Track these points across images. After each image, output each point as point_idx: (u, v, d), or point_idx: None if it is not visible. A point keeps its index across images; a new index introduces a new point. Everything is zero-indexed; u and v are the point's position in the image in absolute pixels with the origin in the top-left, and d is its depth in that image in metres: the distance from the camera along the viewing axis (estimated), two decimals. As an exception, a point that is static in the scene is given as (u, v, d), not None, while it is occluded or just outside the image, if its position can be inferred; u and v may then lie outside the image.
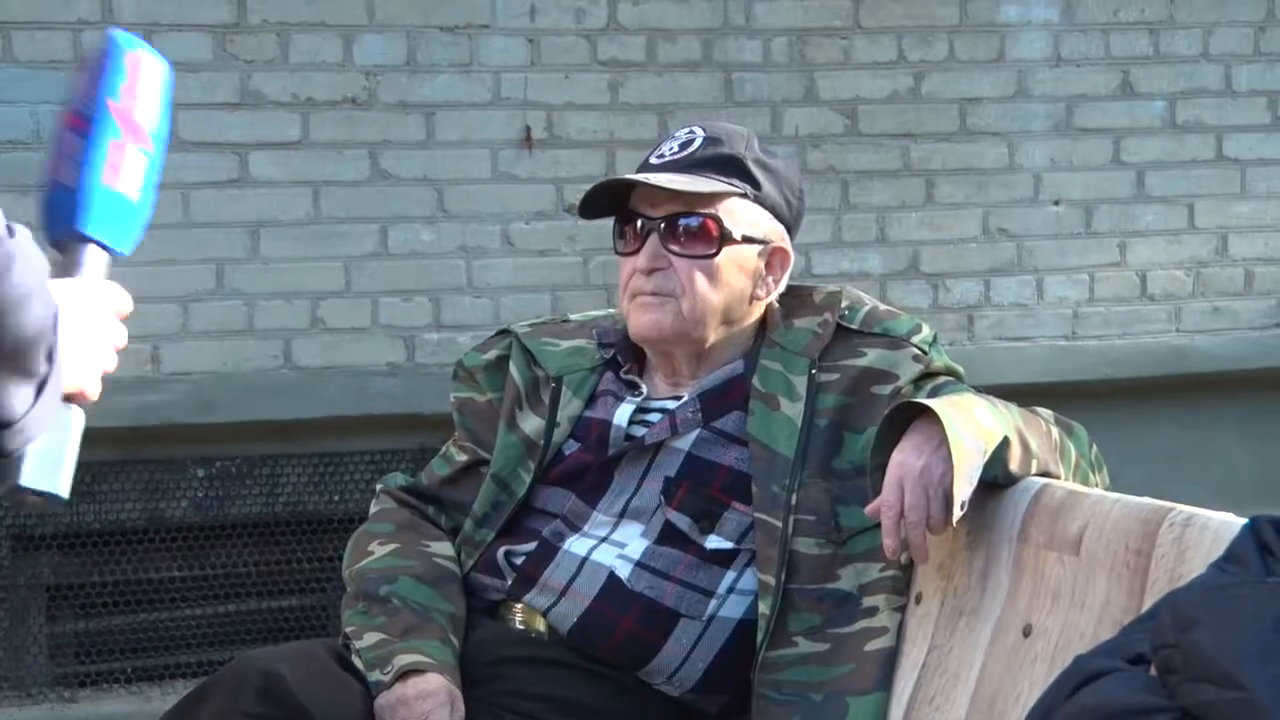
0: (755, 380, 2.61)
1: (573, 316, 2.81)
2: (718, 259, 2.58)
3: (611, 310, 2.84)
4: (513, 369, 2.68)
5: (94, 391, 1.66)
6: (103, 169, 1.70)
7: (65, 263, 1.70)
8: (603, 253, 4.70)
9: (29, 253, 1.49)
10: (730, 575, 2.54)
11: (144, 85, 1.73)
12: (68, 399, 1.63)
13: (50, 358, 1.51)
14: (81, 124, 1.71)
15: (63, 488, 1.63)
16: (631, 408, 2.64)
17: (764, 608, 2.48)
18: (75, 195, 1.69)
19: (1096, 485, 2.51)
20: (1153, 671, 1.73)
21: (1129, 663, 1.80)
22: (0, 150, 4.31)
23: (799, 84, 5.02)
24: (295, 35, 4.63)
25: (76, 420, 1.65)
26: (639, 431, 2.62)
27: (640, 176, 2.58)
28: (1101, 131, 5.20)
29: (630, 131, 4.83)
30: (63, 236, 1.70)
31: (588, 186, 4.45)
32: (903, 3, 5.06)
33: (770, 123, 4.96)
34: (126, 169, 1.70)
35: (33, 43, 4.41)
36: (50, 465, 1.62)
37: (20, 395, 1.49)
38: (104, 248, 1.71)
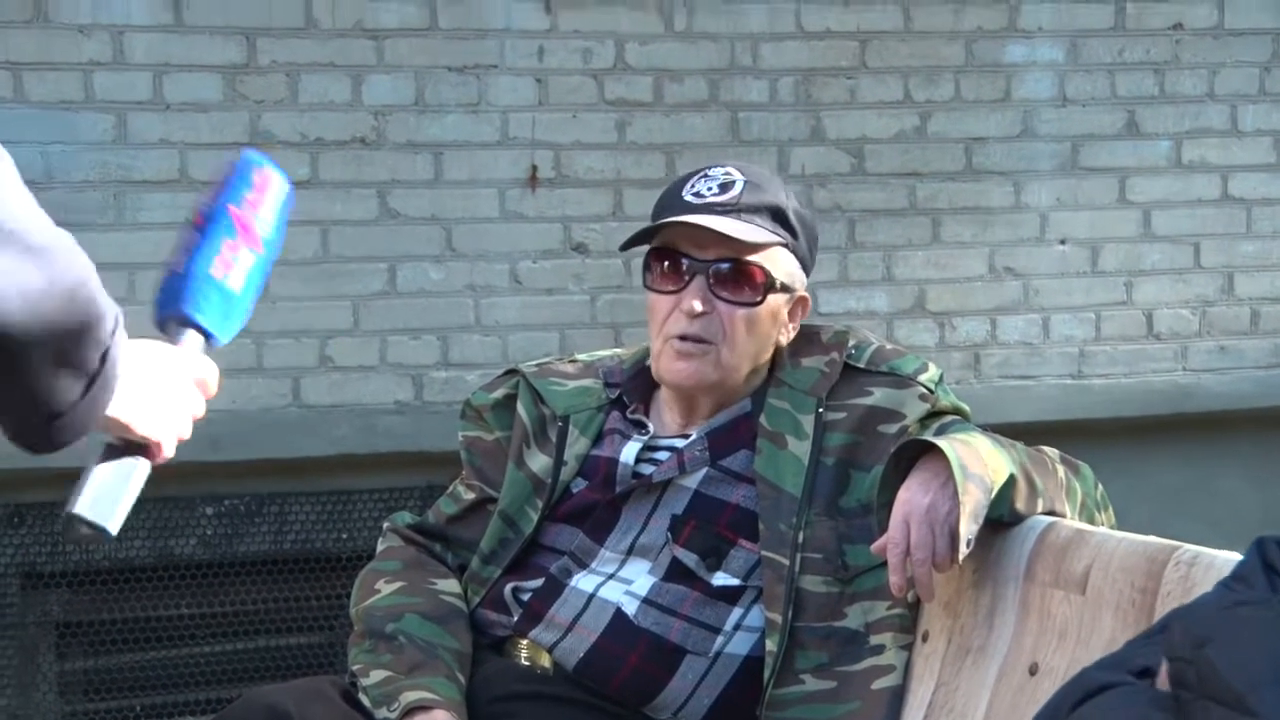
0: (763, 419, 2.62)
1: (579, 356, 2.82)
2: (761, 308, 2.59)
3: (617, 350, 2.85)
4: (520, 408, 2.69)
5: (167, 450, 1.72)
6: (213, 261, 1.78)
7: (165, 340, 1.77)
8: (609, 291, 4.72)
9: (73, 249, 1.54)
10: (737, 612, 2.54)
11: (266, 198, 1.83)
12: (140, 449, 1.70)
13: (104, 359, 1.57)
14: (202, 222, 1.80)
15: (113, 525, 1.69)
16: (639, 446, 2.64)
17: (771, 645, 2.49)
18: (183, 281, 1.77)
19: (1102, 524, 2.52)
20: (1161, 681, 1.72)
21: (1134, 675, 1.80)
22: (12, 189, 4.33)
23: (805, 123, 5.04)
24: (304, 75, 4.65)
25: (141, 469, 1.71)
26: (646, 470, 2.62)
27: (697, 219, 2.56)
28: (1107, 171, 5.21)
29: (637, 171, 4.83)
30: (168, 317, 1.78)
31: (594, 226, 4.50)
32: (908, 43, 5.08)
33: (777, 162, 4.97)
34: (236, 265, 1.79)
35: (44, 83, 4.43)
36: (107, 502, 1.68)
37: (68, 387, 1.55)
38: (203, 332, 1.78)
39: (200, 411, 1.75)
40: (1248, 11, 5.25)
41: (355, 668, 2.52)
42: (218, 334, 1.80)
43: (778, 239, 2.60)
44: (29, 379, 1.52)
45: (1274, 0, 5.27)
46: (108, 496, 1.69)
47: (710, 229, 2.54)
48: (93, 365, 1.55)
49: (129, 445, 1.71)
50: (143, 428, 1.68)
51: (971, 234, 5.15)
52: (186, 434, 1.74)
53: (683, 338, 2.57)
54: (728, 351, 2.58)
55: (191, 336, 1.78)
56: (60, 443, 1.58)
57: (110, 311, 1.58)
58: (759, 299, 2.58)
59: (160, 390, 1.70)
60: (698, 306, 2.55)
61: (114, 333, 1.58)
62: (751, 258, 2.57)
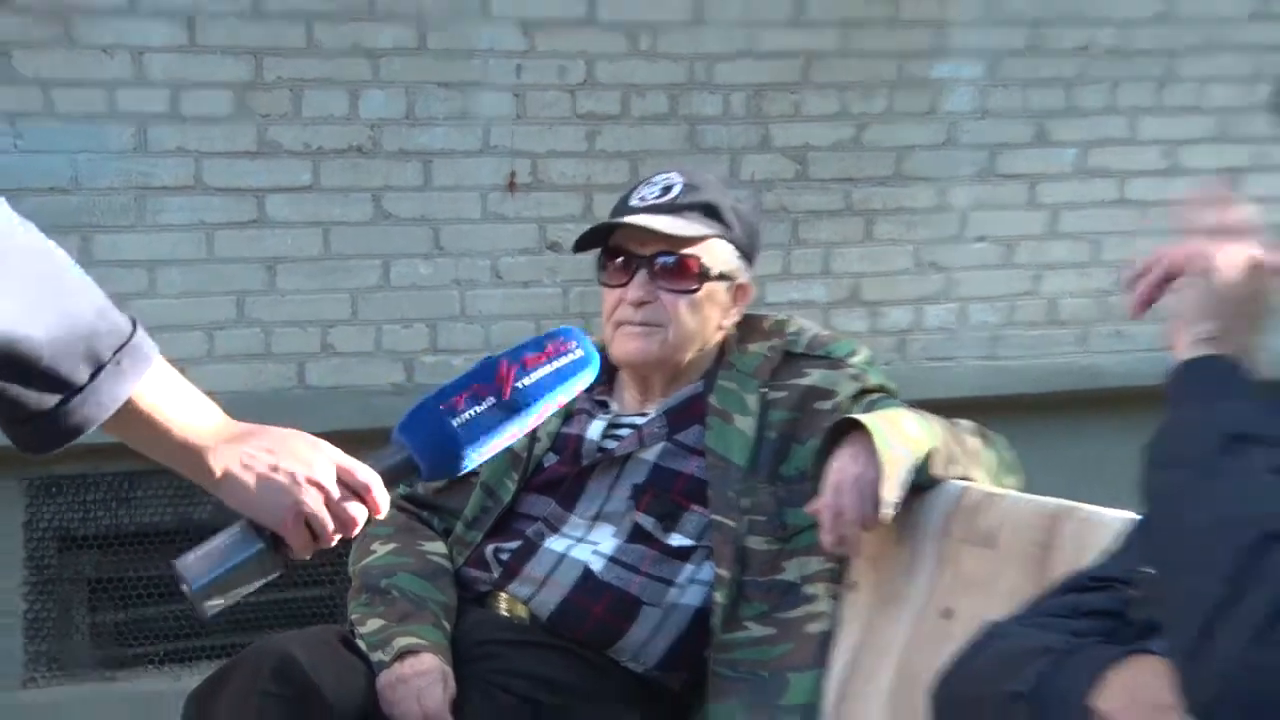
0: (713, 398, 2.65)
1: (546, 345, 2.84)
2: (699, 294, 2.62)
3: (585, 338, 2.87)
4: (495, 390, 2.71)
5: (294, 542, 1.59)
6: (450, 398, 1.66)
7: (379, 454, 1.66)
8: (580, 284, 4.74)
9: (73, 268, 1.49)
10: (690, 568, 2.57)
11: (547, 361, 1.70)
12: (274, 538, 1.59)
13: (120, 362, 1.49)
14: (479, 366, 1.69)
15: (207, 605, 1.60)
16: (603, 424, 2.67)
17: (719, 596, 2.52)
18: (417, 407, 1.67)
19: (1011, 487, 2.55)
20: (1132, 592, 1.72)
21: (1095, 580, 1.82)
22: (42, 195, 4.33)
23: (755, 134, 5.04)
24: (307, 91, 4.64)
25: (261, 560, 1.60)
26: (610, 445, 2.65)
27: (635, 219, 2.59)
28: (1020, 176, 5.23)
29: (606, 176, 4.85)
30: (395, 434, 1.67)
31: (568, 225, 4.49)
32: (846, 62, 5.08)
33: (730, 168, 4.97)
34: (469, 407, 1.65)
35: (71, 99, 4.42)
36: (212, 577, 1.59)
37: (76, 366, 1.47)
38: (410, 457, 1.66)
39: (354, 521, 1.60)
40: (1144, 34, 5.28)
41: (354, 618, 2.55)
42: (420, 459, 1.66)
43: (712, 232, 2.61)
44: None
45: (1167, 25, 5.29)
46: (217, 573, 1.59)
47: (647, 228, 2.58)
48: (105, 357, 1.49)
49: (260, 530, 1.60)
50: (262, 514, 1.56)
51: (900, 233, 5.17)
52: (322, 532, 1.60)
53: (631, 322, 2.61)
54: (673, 333, 2.61)
55: (397, 453, 1.65)
56: (66, 426, 1.49)
57: (114, 329, 1.49)
58: (696, 287, 2.61)
59: (277, 475, 1.58)
60: (640, 295, 2.59)
61: (119, 349, 1.49)
62: (688, 250, 2.60)
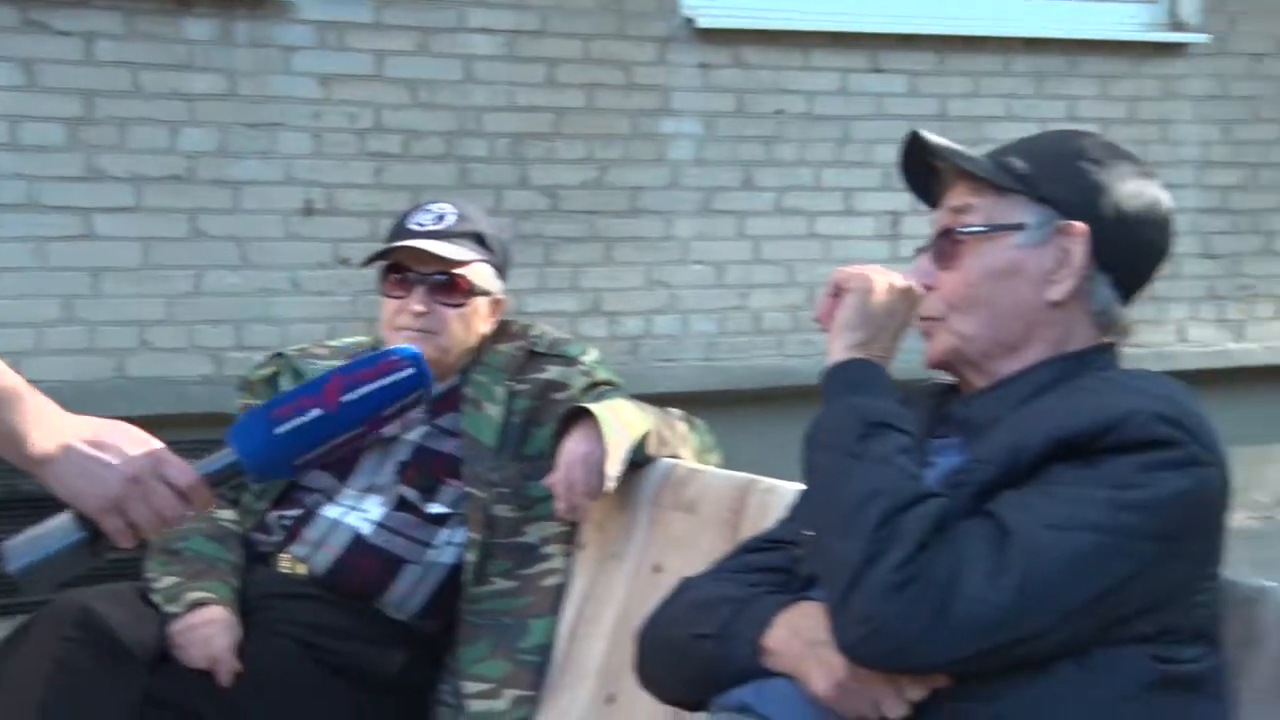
0: (468, 389, 2.60)
1: (330, 342, 2.75)
2: (467, 307, 2.56)
3: (360, 337, 2.79)
4: (283, 381, 2.61)
5: (113, 532, 1.45)
6: (281, 405, 1.55)
7: (210, 455, 1.54)
8: (367, 294, 4.57)
9: None
10: (446, 533, 2.51)
11: (378, 379, 1.56)
12: (97, 528, 1.44)
13: None
14: (315, 379, 1.57)
15: (28, 584, 1.48)
16: (374, 410, 2.59)
17: (471, 556, 2.47)
18: (247, 413, 1.56)
19: (711, 464, 2.55)
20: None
21: (769, 542, 1.80)
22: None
23: (516, 173, 5.01)
24: (133, 127, 4.47)
25: (80, 549, 1.47)
26: (380, 427, 2.58)
27: (418, 244, 2.52)
28: (731, 213, 5.29)
29: (390, 206, 4.73)
30: (227, 437, 1.56)
31: (357, 246, 4.39)
32: (591, 117, 5.08)
33: (495, 201, 4.93)
34: (295, 416, 1.54)
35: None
36: (33, 561, 1.47)
37: None
38: (237, 461, 1.55)
39: (171, 513, 1.46)
40: (827, 103, 5.38)
41: (149, 575, 2.42)
42: (246, 463, 1.54)
43: (479, 257, 2.57)
44: None
45: (843, 97, 5.40)
46: (33, 546, 1.47)
47: (428, 251, 2.51)
48: None
49: (85, 520, 1.47)
50: (61, 492, 1.42)
51: (634, 256, 5.18)
52: (142, 523, 1.45)
53: (410, 329, 2.54)
54: (445, 339, 2.56)
55: (225, 456, 1.54)
56: None
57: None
58: (465, 301, 2.56)
59: (99, 468, 1.43)
60: (420, 308, 2.53)
61: None
62: (459, 271, 2.55)
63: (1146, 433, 1.43)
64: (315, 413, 1.54)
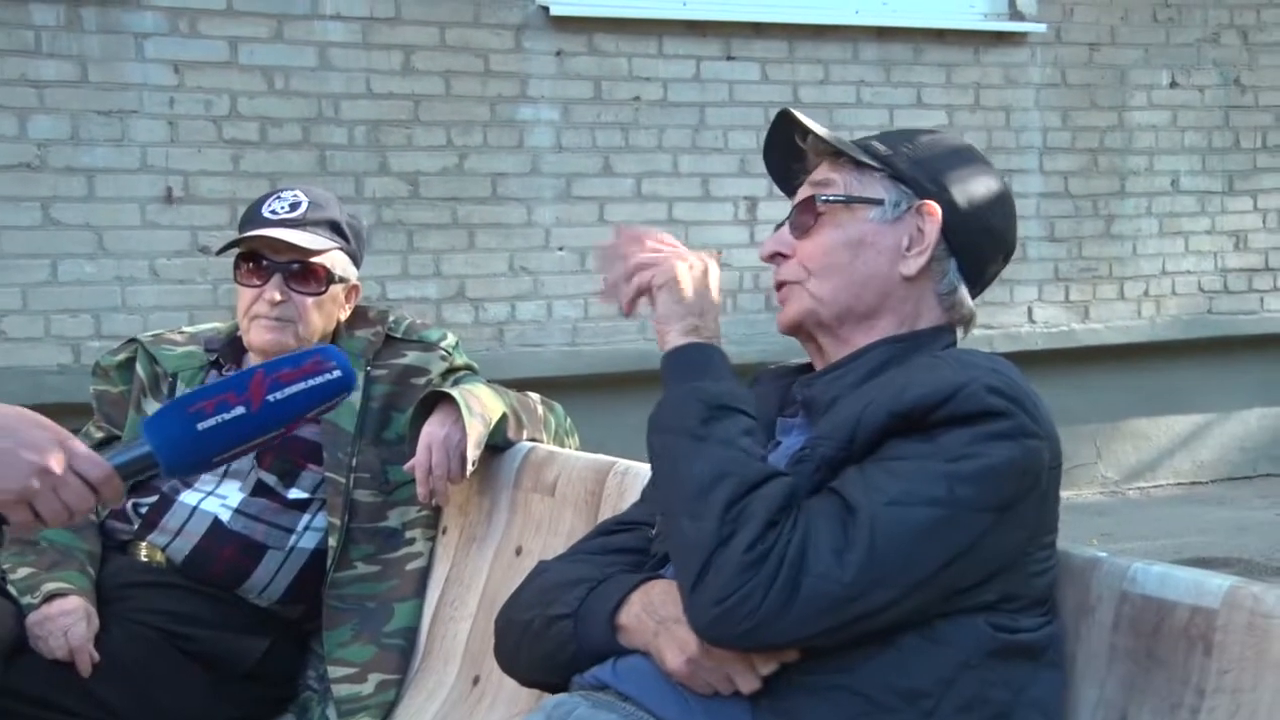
0: (327, 375, 2.55)
1: (185, 329, 2.69)
2: (324, 295, 2.51)
3: (216, 324, 2.73)
4: (138, 367, 2.55)
5: (16, 521, 1.39)
6: (200, 401, 1.47)
7: (122, 446, 1.47)
8: (226, 282, 4.54)
9: None
10: (306, 518, 2.48)
11: (302, 379, 1.49)
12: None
13: None
14: (238, 375, 1.49)
15: None
16: (231, 397, 2.54)
17: (332, 541, 2.44)
18: (168, 405, 1.48)
19: (570, 447, 2.55)
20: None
21: (623, 524, 1.80)
22: None
23: (375, 160, 4.96)
24: (-21, 114, 4.32)
25: None
26: (237, 414, 2.52)
27: (273, 232, 2.46)
28: (591, 199, 5.30)
29: (249, 193, 4.64)
30: (144, 429, 1.47)
31: (216, 234, 4.31)
32: (450, 104, 5.05)
33: (354, 189, 4.87)
34: (217, 412, 1.46)
35: None
36: None
37: None
38: (151, 453, 1.46)
39: (81, 505, 1.39)
40: (684, 90, 5.41)
41: (5, 566, 2.36)
42: (160, 457, 1.47)
43: (335, 245, 2.53)
44: None
45: (698, 84, 5.43)
46: None
47: (284, 240, 2.47)
48: None
49: None
50: None
51: (497, 243, 5.16)
52: (49, 516, 1.38)
53: (267, 317, 2.49)
54: (303, 328, 2.51)
55: (138, 447, 1.46)
56: None
57: None
58: (323, 289, 2.51)
59: (3, 457, 1.36)
60: (277, 296, 2.48)
61: None
62: (315, 259, 2.50)
63: (978, 404, 1.46)
64: (239, 410, 1.48)
